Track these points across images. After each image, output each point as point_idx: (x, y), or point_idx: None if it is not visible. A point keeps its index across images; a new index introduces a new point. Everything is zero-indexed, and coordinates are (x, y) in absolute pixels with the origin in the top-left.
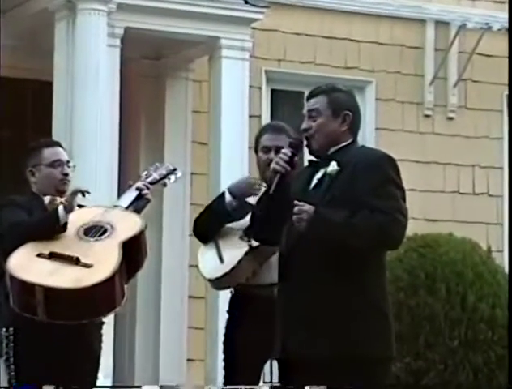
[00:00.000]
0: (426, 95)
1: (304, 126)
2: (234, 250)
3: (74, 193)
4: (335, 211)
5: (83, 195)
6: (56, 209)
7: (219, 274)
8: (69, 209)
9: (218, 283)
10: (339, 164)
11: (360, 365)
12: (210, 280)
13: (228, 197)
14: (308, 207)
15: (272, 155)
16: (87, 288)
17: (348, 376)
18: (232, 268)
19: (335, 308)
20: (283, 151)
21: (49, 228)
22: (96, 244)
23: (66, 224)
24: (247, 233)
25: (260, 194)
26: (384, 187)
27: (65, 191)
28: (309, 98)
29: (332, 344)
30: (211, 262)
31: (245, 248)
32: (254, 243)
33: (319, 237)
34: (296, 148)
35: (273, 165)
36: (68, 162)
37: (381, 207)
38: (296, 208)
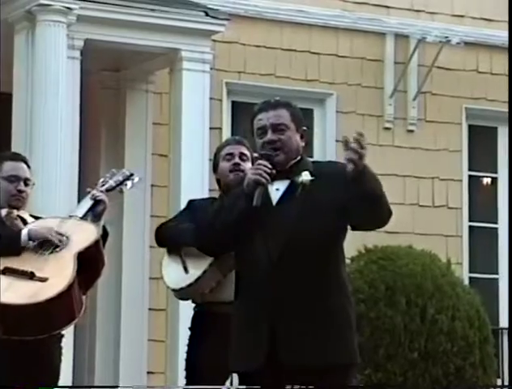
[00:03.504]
0: (386, 107)
1: (271, 137)
2: (199, 261)
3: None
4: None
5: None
6: (19, 233)
7: (183, 284)
8: (32, 237)
9: (182, 293)
10: (312, 174)
11: (329, 371)
12: (174, 290)
13: None
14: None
15: (237, 159)
16: (43, 303)
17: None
18: (198, 278)
19: (314, 315)
20: (262, 162)
21: (6, 249)
22: (51, 257)
23: (24, 247)
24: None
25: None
26: None
27: (18, 207)
28: (266, 110)
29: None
30: (176, 272)
31: (210, 259)
32: None
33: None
34: (270, 161)
35: (255, 177)
36: (27, 180)
37: None
38: (353, 155)
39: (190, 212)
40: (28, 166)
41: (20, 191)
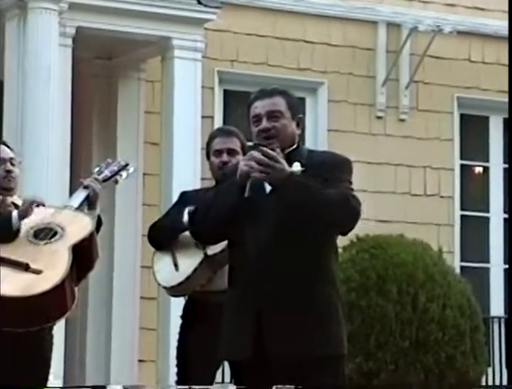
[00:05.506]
0: (378, 96)
1: (266, 125)
2: (189, 258)
3: (31, 204)
4: (308, 180)
5: (37, 206)
6: (10, 214)
7: (174, 282)
8: (23, 216)
9: (173, 291)
10: (302, 165)
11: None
12: (165, 288)
13: (185, 217)
14: (281, 167)
15: (225, 157)
16: (36, 296)
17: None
18: (188, 277)
19: (308, 306)
20: (254, 153)
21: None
22: (46, 248)
23: (18, 230)
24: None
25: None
26: (345, 181)
27: (11, 188)
28: (262, 98)
29: (307, 344)
30: (166, 269)
31: (201, 256)
32: (210, 252)
33: (294, 203)
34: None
35: (247, 168)
36: (12, 159)
37: (343, 189)
38: (259, 156)
39: (182, 205)
40: (10, 148)
41: (9, 171)
